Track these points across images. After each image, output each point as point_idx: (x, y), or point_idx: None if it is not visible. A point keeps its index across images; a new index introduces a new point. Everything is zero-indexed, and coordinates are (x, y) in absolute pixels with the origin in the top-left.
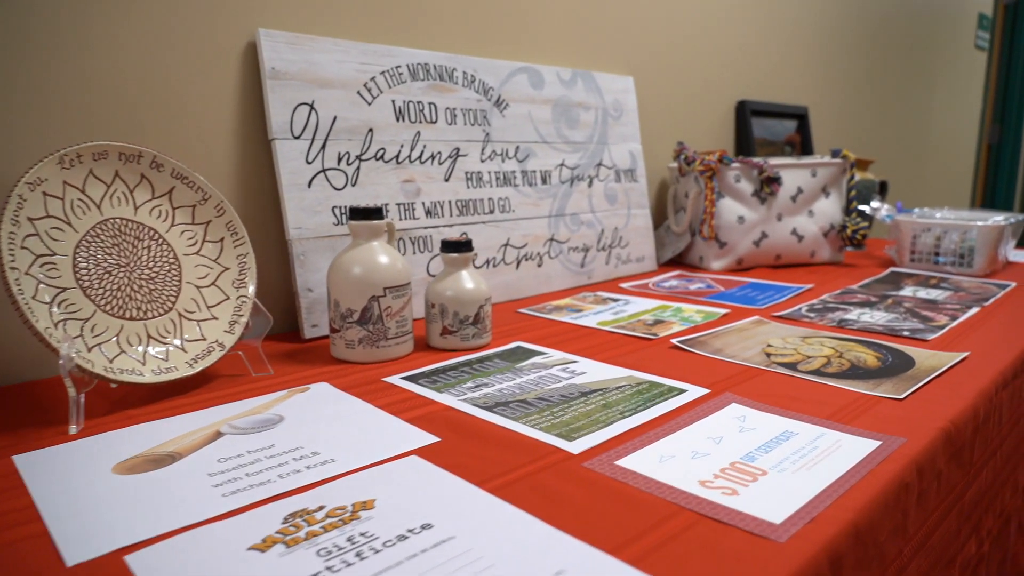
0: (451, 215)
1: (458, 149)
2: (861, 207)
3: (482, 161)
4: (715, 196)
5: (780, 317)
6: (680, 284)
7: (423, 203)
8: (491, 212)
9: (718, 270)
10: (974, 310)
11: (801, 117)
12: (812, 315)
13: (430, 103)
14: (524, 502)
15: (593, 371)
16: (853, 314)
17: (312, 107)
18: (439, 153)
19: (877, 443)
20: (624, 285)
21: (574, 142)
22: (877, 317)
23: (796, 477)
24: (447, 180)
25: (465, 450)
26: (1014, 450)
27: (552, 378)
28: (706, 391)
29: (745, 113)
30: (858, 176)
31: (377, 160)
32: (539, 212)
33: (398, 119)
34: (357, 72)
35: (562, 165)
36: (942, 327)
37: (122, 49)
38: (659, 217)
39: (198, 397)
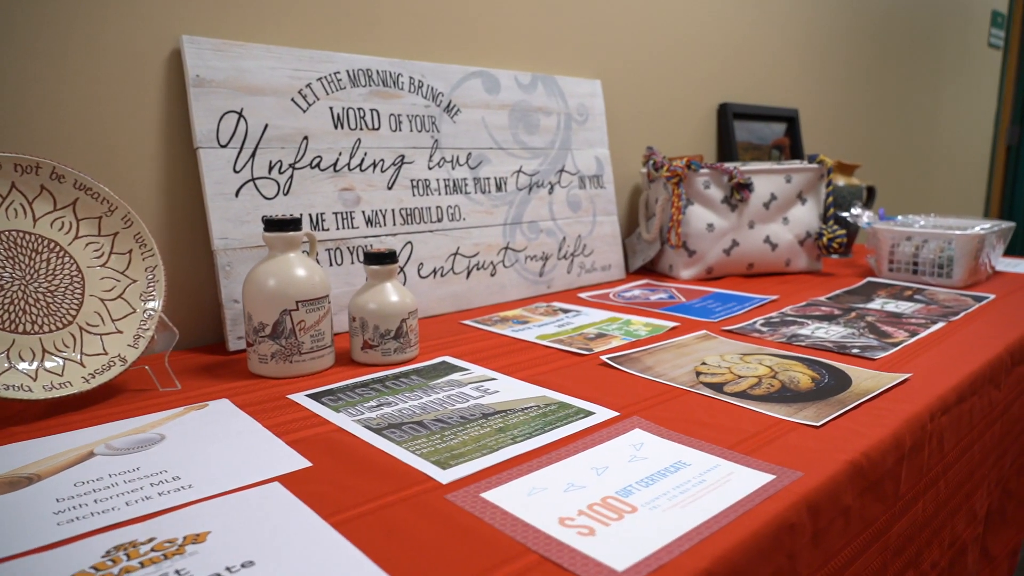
0: (394, 224)
1: (403, 156)
2: (842, 214)
3: (430, 168)
4: (682, 203)
5: (730, 332)
6: (642, 294)
7: (363, 212)
8: (439, 220)
9: (687, 279)
10: (939, 325)
11: (791, 120)
12: (765, 330)
13: (372, 110)
14: (364, 539)
15: (507, 390)
16: (808, 329)
17: (241, 115)
18: (382, 161)
19: (771, 477)
20: (584, 295)
21: (533, 148)
22: (832, 333)
23: (667, 516)
24: (390, 188)
25: (331, 477)
26: (967, 477)
27: (461, 397)
28: (615, 414)
29: (727, 116)
30: (842, 182)
31: (312, 168)
32: (493, 220)
33: (336, 126)
34: (291, 79)
35: (519, 172)
36: (896, 344)
37: (37, 57)
38: (632, 224)
39: (94, 414)
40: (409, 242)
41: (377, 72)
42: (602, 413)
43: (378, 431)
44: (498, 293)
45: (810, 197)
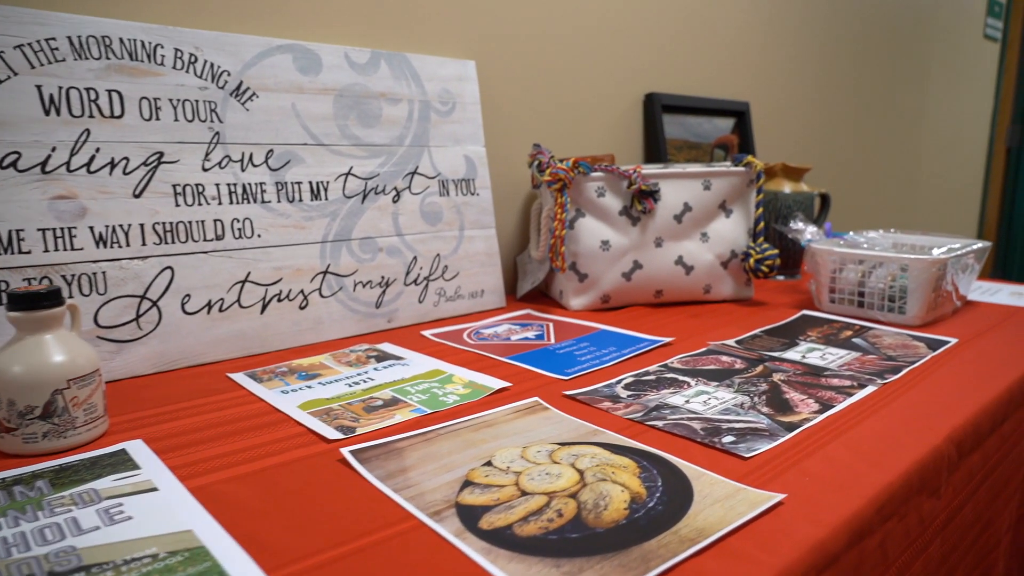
0: (144, 243)
1: (161, 154)
2: (781, 228)
3: (206, 170)
4: (566, 215)
5: (574, 398)
6: (508, 331)
7: (92, 228)
8: (218, 238)
9: (578, 310)
10: (866, 391)
11: (740, 115)
12: (625, 395)
13: (111, 91)
14: None
15: (149, 516)
16: (683, 395)
17: None
18: (124, 159)
19: None
20: (431, 333)
21: (371, 145)
22: (713, 403)
23: None
24: (138, 196)
25: None
26: None
27: (55, 533)
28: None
29: (654, 108)
30: (788, 188)
31: (5, 169)
32: (305, 237)
33: (48, 112)
34: None
35: (349, 174)
36: (794, 427)
37: None
38: (526, 239)
39: None
40: (168, 267)
41: (122, 41)
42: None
43: None
44: (312, 331)
45: (736, 208)
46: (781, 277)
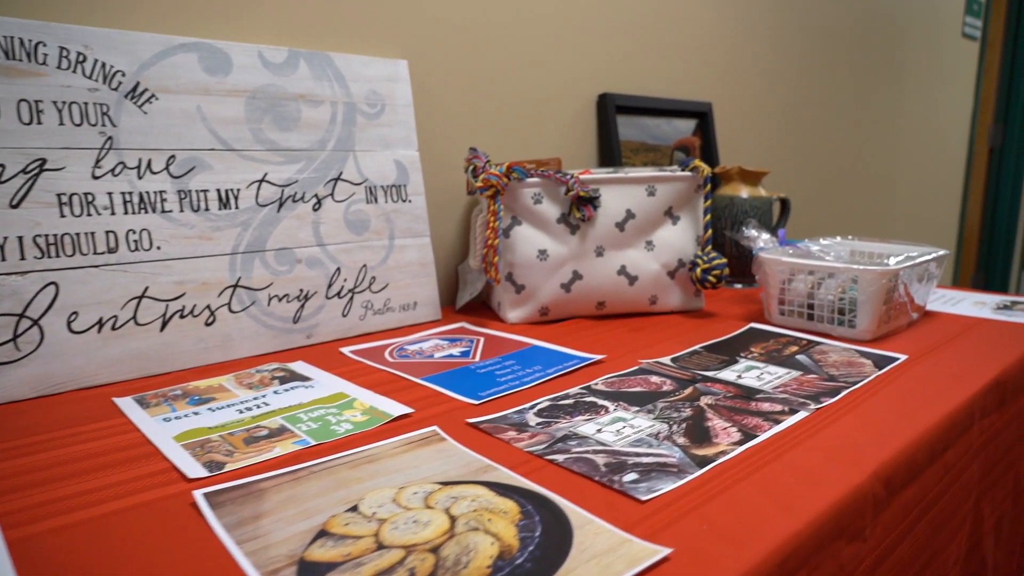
0: (22, 257)
1: (43, 160)
2: (733, 236)
3: (96, 178)
4: (499, 223)
5: (476, 426)
6: (435, 347)
7: None
8: (111, 251)
9: (516, 322)
10: (796, 418)
11: (702, 116)
12: (535, 422)
13: None
14: None
15: None
16: (596, 423)
17: None
18: (0, 167)
19: None
20: (352, 350)
21: (288, 150)
22: (626, 433)
23: None
24: (16, 206)
25: None
26: None
27: None
28: None
29: (607, 110)
30: (745, 193)
31: None
32: (213, 248)
33: None
34: None
35: (263, 181)
36: (707, 461)
37: None
38: (465, 247)
39: None
40: (52, 283)
41: None
42: None
43: None
44: (220, 349)
45: (684, 214)
46: (739, 286)
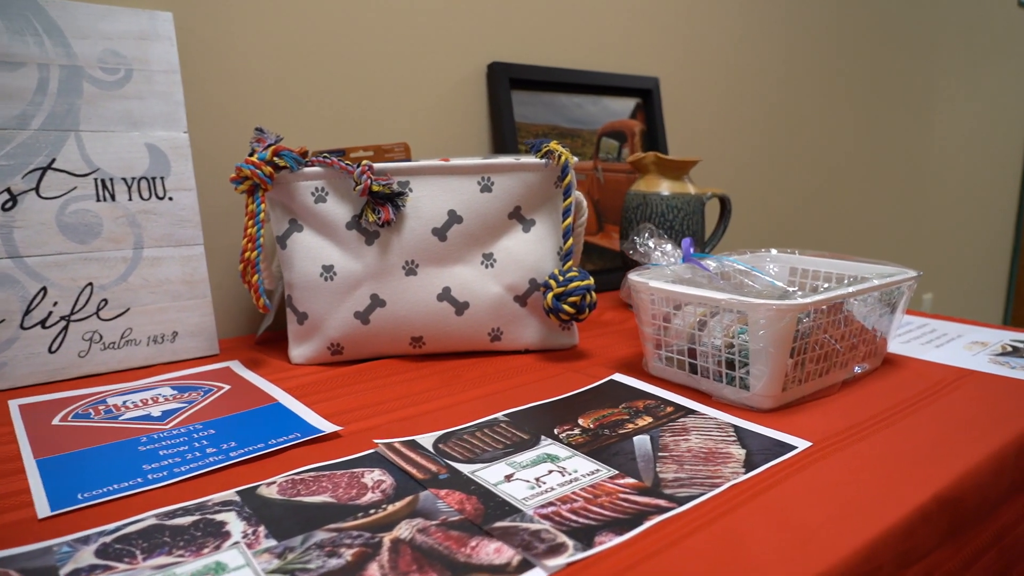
0: None
1: None
2: (623, 247)
3: None
4: (257, 228)
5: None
6: (148, 399)
7: None
8: None
9: (301, 363)
10: None
11: (645, 94)
12: (86, 564)
13: None
14: None
15: None
16: (183, 569)
17: None
18: None
19: None
20: (22, 402)
21: None
22: None
23: None
24: None
25: None
26: None
27: None
28: None
29: (497, 83)
30: (667, 190)
31: None
32: None
33: None
34: None
35: None
36: None
37: None
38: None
39: None
40: None
41: None
42: None
43: None
44: None
45: (540, 218)
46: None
